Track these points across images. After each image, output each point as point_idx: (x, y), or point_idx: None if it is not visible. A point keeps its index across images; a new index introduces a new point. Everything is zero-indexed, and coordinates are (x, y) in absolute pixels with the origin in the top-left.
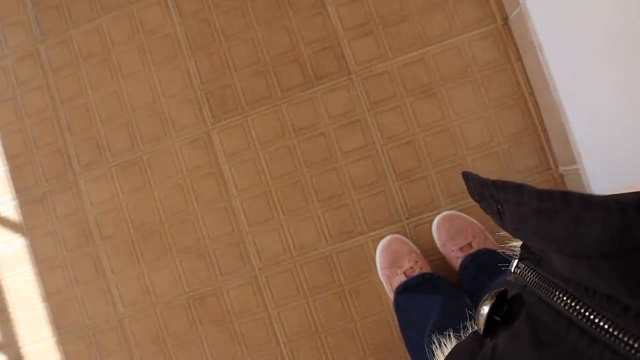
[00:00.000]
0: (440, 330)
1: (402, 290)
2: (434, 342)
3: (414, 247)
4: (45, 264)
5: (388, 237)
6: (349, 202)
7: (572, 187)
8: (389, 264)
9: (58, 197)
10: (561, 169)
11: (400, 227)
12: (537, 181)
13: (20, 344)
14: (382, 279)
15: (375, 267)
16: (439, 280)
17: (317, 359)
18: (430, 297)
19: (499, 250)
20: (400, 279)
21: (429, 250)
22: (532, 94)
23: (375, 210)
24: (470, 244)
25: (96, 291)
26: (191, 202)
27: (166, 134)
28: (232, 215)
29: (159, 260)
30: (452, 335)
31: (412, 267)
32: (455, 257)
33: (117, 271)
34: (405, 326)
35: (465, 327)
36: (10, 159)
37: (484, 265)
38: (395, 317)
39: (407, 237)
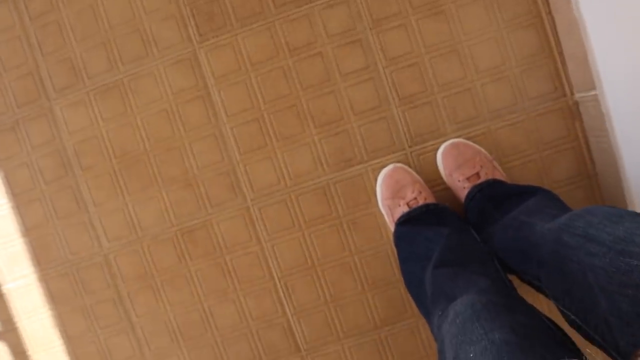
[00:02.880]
0: (445, 263)
1: (404, 222)
2: None
3: (418, 177)
4: (21, 197)
5: (390, 166)
6: (348, 128)
7: (588, 116)
8: (390, 194)
9: (32, 124)
10: (577, 95)
11: (402, 156)
12: (550, 109)
13: (0, 281)
14: (382, 210)
15: (375, 197)
16: (444, 212)
17: (313, 294)
18: (434, 229)
19: (508, 182)
20: (402, 210)
21: (433, 181)
22: (549, 12)
23: (376, 138)
24: (477, 174)
25: (78, 225)
26: (177, 128)
27: (148, 54)
28: (221, 143)
29: (144, 191)
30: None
31: (415, 198)
32: (462, 187)
33: (99, 203)
34: (406, 259)
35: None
36: None
37: (491, 196)
38: (395, 251)
39: (410, 166)
